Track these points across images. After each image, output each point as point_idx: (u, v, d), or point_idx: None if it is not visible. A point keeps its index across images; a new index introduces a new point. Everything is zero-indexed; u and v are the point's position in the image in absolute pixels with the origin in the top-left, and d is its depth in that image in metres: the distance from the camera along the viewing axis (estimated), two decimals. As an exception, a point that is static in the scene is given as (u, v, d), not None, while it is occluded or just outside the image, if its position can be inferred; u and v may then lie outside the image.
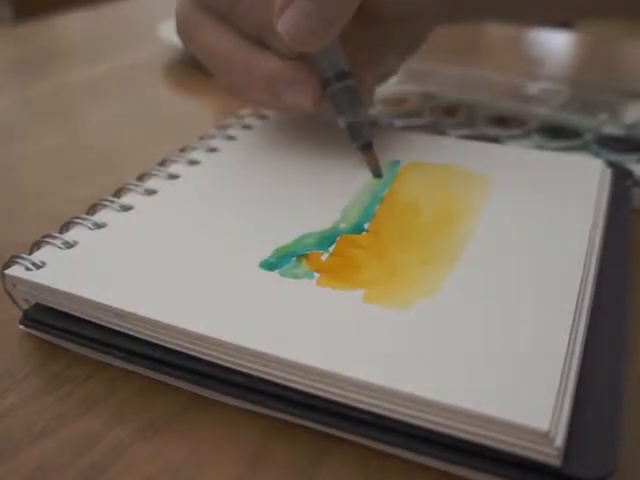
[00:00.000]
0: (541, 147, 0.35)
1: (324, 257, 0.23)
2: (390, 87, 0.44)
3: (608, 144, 0.34)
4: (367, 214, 0.26)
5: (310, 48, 0.27)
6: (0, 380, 0.21)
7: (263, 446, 0.19)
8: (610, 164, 0.30)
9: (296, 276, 0.22)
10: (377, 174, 0.28)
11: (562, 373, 0.18)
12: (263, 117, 0.35)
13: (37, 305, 0.23)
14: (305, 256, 0.23)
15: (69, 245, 0.24)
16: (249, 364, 0.19)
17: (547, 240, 0.24)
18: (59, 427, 0.20)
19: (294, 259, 0.23)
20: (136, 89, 0.49)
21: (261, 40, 0.28)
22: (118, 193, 0.27)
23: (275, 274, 0.22)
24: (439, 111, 0.39)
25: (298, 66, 0.27)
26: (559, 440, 0.16)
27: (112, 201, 0.26)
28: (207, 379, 0.20)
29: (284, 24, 0.25)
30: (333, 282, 0.22)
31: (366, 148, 0.29)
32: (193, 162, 0.30)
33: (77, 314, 0.22)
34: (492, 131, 0.36)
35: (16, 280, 0.23)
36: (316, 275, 0.22)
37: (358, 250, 0.23)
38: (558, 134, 0.35)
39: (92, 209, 0.26)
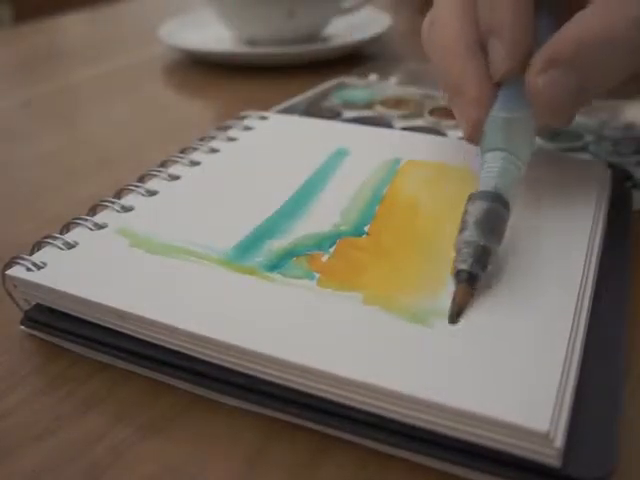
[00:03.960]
0: (541, 148, 0.35)
1: (325, 258, 0.23)
2: (390, 88, 0.44)
3: (608, 145, 0.34)
4: (367, 215, 0.26)
5: (556, 123, 0.25)
6: (1, 380, 0.21)
7: (263, 446, 0.19)
8: (610, 166, 0.30)
9: (297, 276, 0.22)
10: (451, 319, 0.20)
11: (562, 374, 0.18)
12: (264, 118, 0.35)
13: (38, 306, 0.23)
14: (306, 256, 0.23)
15: (70, 246, 0.24)
16: (249, 364, 0.19)
17: (547, 241, 0.24)
18: (60, 427, 0.20)
19: (294, 259, 0.23)
20: (137, 90, 0.49)
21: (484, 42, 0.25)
22: (119, 194, 0.27)
23: (276, 274, 0.22)
24: (439, 112, 0.39)
25: (484, 95, 0.24)
26: (559, 441, 0.16)
27: (113, 202, 0.26)
28: (207, 379, 0.20)
29: (536, 89, 0.23)
30: (334, 283, 0.22)
31: (463, 280, 0.20)
32: (194, 163, 0.30)
33: (78, 315, 0.22)
34: (492, 132, 0.36)
35: (17, 281, 0.23)
36: (317, 276, 0.22)
37: (359, 252, 0.23)
38: (558, 135, 0.35)
39: (93, 210, 0.26)
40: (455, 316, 0.20)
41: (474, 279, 0.21)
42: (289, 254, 0.23)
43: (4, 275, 0.23)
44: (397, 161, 0.30)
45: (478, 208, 0.22)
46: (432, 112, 0.39)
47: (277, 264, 0.23)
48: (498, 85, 0.25)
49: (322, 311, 0.20)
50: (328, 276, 0.22)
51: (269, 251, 0.23)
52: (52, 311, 0.22)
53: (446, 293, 0.21)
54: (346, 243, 0.24)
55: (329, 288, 0.21)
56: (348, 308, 0.20)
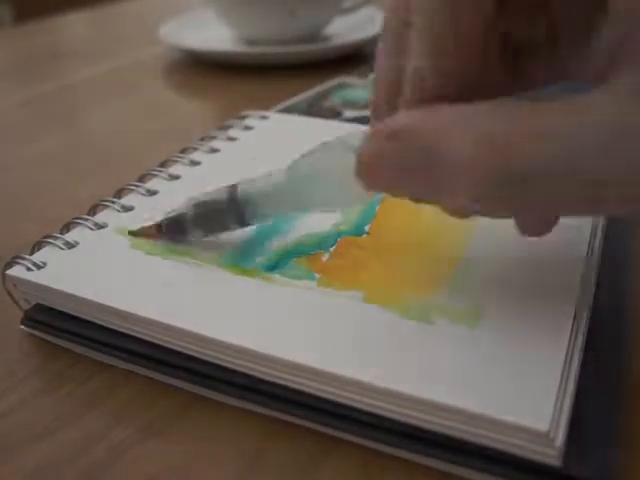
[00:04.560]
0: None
1: (325, 258, 0.23)
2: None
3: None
4: (367, 215, 0.26)
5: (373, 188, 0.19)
6: (1, 380, 0.21)
7: (263, 446, 0.19)
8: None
9: (297, 277, 0.22)
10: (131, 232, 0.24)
11: (562, 373, 0.18)
12: (264, 118, 0.35)
13: (38, 305, 0.23)
14: (306, 257, 0.23)
15: (70, 245, 0.24)
16: (249, 364, 0.19)
17: (547, 241, 0.24)
18: (60, 427, 0.20)
19: (295, 260, 0.23)
20: (137, 90, 0.49)
21: None
22: (119, 194, 0.27)
23: (276, 275, 0.22)
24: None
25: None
26: (559, 440, 0.16)
27: (113, 202, 0.26)
28: (207, 379, 0.20)
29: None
30: (334, 283, 0.22)
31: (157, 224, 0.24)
32: (194, 163, 0.30)
33: (78, 314, 0.22)
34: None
35: (17, 280, 0.23)
36: (317, 276, 0.22)
37: (359, 251, 0.23)
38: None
39: (93, 209, 0.26)
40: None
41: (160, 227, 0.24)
42: (290, 254, 0.23)
43: (4, 275, 0.23)
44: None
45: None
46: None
47: (277, 265, 0.23)
48: None
49: (322, 310, 0.20)
50: (328, 276, 0.22)
51: (269, 252, 0.23)
52: (52, 311, 0.22)
53: (447, 291, 0.21)
54: (347, 242, 0.24)
55: (329, 287, 0.21)
56: (348, 306, 0.20)
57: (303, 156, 0.21)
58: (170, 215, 0.24)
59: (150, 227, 0.24)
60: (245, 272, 0.22)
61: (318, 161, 0.21)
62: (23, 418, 0.20)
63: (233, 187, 0.23)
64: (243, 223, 0.23)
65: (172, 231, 0.24)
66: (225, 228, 0.23)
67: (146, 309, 0.20)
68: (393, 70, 0.19)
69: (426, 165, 0.17)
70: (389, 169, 0.17)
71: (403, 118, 0.17)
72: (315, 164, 0.21)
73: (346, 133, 0.20)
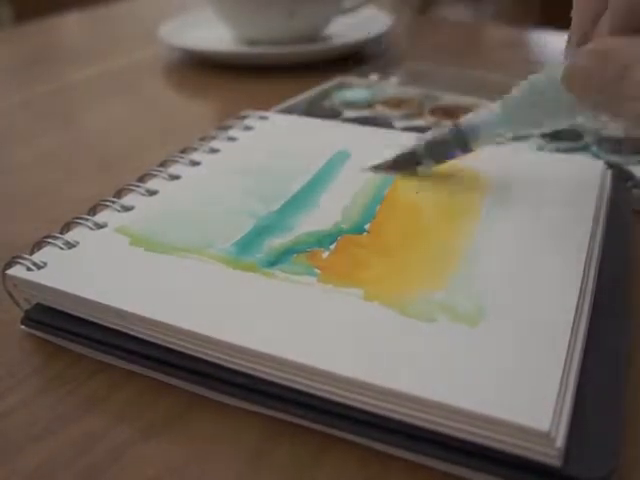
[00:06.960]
0: (542, 148, 0.35)
1: (325, 255, 0.23)
2: (390, 88, 0.44)
3: (608, 146, 0.34)
4: (368, 214, 0.26)
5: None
6: (1, 380, 0.21)
7: (264, 446, 0.19)
8: (610, 166, 0.30)
9: (297, 273, 0.22)
10: (375, 167, 0.29)
11: (562, 373, 0.18)
12: (264, 118, 0.35)
13: (38, 305, 0.23)
14: (306, 253, 0.23)
15: (70, 245, 0.24)
16: (249, 364, 0.19)
17: (547, 241, 0.24)
18: (60, 427, 0.20)
19: (295, 256, 0.23)
20: (136, 90, 0.49)
21: None
22: (119, 194, 0.27)
23: (276, 271, 0.22)
24: (439, 112, 0.39)
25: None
26: (560, 440, 0.16)
27: (113, 201, 0.26)
28: (208, 379, 0.20)
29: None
30: (334, 279, 0.22)
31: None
32: (194, 163, 0.30)
33: (78, 314, 0.22)
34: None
35: (17, 280, 0.23)
36: (317, 272, 0.22)
37: (359, 249, 0.23)
38: (558, 136, 0.35)
39: (93, 209, 0.26)
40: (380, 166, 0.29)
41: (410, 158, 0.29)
42: (289, 251, 0.23)
43: (4, 275, 0.23)
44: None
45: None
46: (432, 112, 0.39)
47: (277, 260, 0.23)
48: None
49: (322, 308, 0.20)
50: (328, 272, 0.22)
51: (269, 248, 0.23)
52: (52, 311, 0.22)
53: (448, 290, 0.21)
54: (347, 240, 0.24)
55: (329, 284, 0.21)
56: (349, 304, 0.20)
57: (513, 91, 0.26)
58: (405, 151, 0.29)
59: (387, 162, 0.29)
60: (245, 267, 0.22)
61: (527, 92, 0.25)
62: (23, 418, 0.20)
63: (457, 123, 0.27)
64: (466, 149, 0.27)
65: (406, 163, 0.29)
66: (451, 156, 0.28)
67: (146, 308, 0.20)
68: (596, 2, 0.22)
69: (619, 77, 0.21)
70: (594, 80, 0.22)
71: (610, 41, 0.21)
72: (524, 95, 0.25)
73: (547, 67, 0.24)
